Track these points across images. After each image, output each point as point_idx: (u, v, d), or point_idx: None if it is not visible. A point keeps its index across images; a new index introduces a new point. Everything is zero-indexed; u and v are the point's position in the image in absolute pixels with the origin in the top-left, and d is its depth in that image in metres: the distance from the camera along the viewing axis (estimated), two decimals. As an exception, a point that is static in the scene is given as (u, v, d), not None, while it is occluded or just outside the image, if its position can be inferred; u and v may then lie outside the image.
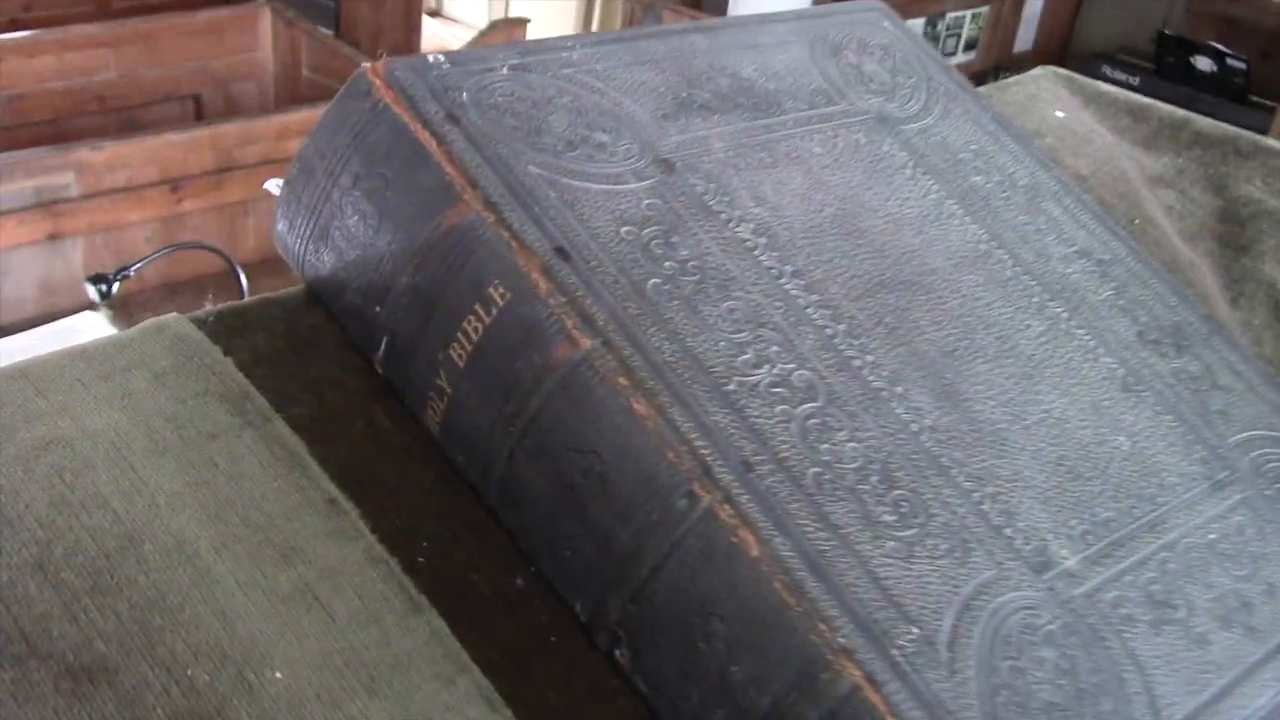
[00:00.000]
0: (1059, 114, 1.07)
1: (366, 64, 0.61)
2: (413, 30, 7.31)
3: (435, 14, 9.43)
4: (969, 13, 7.18)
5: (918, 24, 6.91)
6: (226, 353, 0.63)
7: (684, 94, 0.67)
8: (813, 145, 0.68)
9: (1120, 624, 0.53)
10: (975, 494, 0.55)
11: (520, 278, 0.56)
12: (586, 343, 0.54)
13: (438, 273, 0.59)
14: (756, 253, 0.61)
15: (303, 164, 0.64)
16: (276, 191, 0.66)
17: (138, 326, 0.64)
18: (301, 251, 0.66)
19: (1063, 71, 1.16)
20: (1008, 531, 0.54)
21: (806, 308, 0.59)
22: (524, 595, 0.59)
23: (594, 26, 8.72)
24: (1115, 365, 0.65)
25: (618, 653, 0.56)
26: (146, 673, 0.50)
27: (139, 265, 2.70)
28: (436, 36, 8.53)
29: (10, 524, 0.52)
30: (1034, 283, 0.67)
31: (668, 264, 0.59)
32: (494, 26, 5.64)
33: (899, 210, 0.67)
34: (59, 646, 0.49)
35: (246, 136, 4.62)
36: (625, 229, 0.59)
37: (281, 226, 0.67)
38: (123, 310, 3.58)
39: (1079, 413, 0.61)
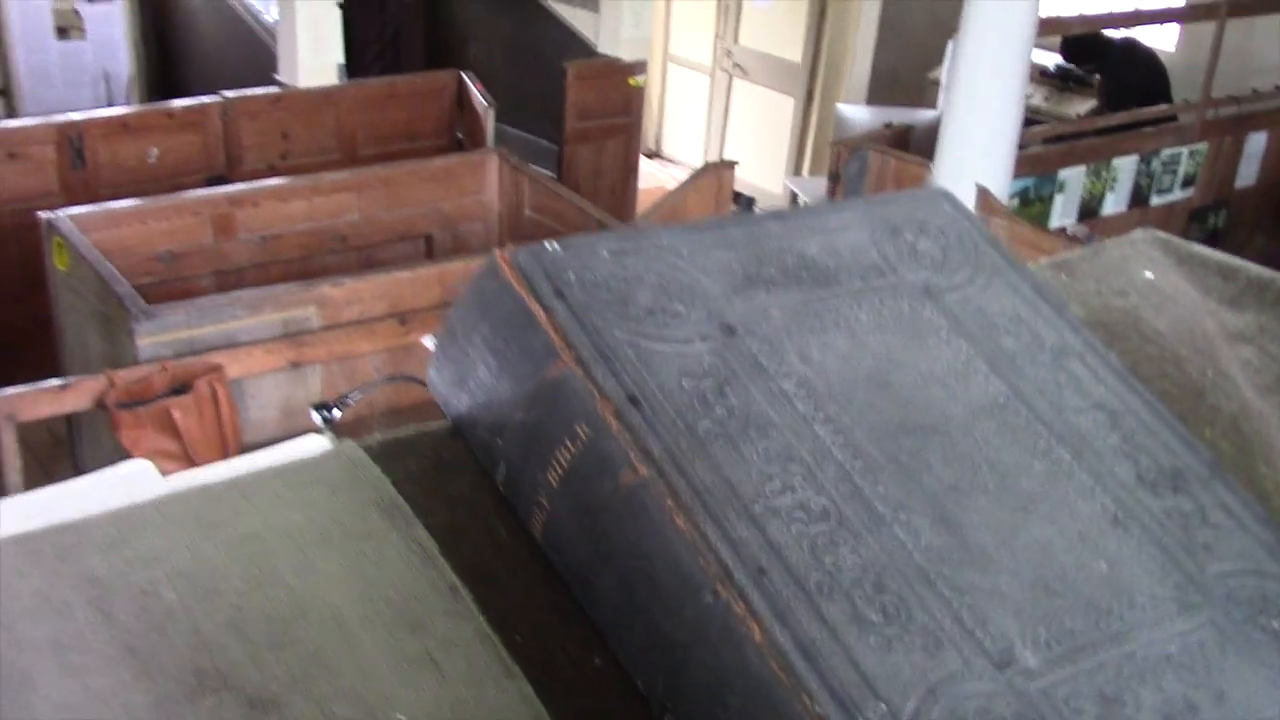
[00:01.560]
0: (1148, 274, 1.18)
1: (497, 251, 0.80)
2: (630, 171, 7.73)
3: (653, 154, 9.91)
4: (1185, 149, 7.10)
5: (1131, 161, 6.88)
6: (385, 472, 0.81)
7: (753, 270, 0.83)
8: (860, 313, 0.83)
9: (1069, 715, 0.65)
10: (955, 603, 0.68)
11: (598, 419, 0.73)
12: (644, 471, 0.70)
13: (540, 413, 0.76)
14: (795, 402, 0.76)
15: (449, 327, 0.83)
16: (432, 347, 0.85)
17: (326, 451, 0.83)
18: (446, 394, 0.84)
19: (1160, 234, 1.26)
20: (978, 634, 0.67)
21: (832, 447, 0.74)
22: (600, 671, 0.74)
23: (805, 168, 8.99)
24: (1109, 502, 0.76)
25: (666, 719, 0.70)
26: (305, 709, 0.67)
27: (355, 396, 2.99)
28: (653, 176, 8.96)
29: (215, 592, 0.71)
30: (1044, 430, 0.80)
31: (718, 410, 0.74)
32: (705, 170, 5.92)
33: (929, 367, 0.81)
34: (244, 684, 0.67)
35: (470, 273, 4.98)
36: (686, 381, 0.75)
37: (433, 374, 0.85)
38: (348, 434, 3.90)
39: (1065, 541, 0.73)
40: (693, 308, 0.80)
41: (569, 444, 0.74)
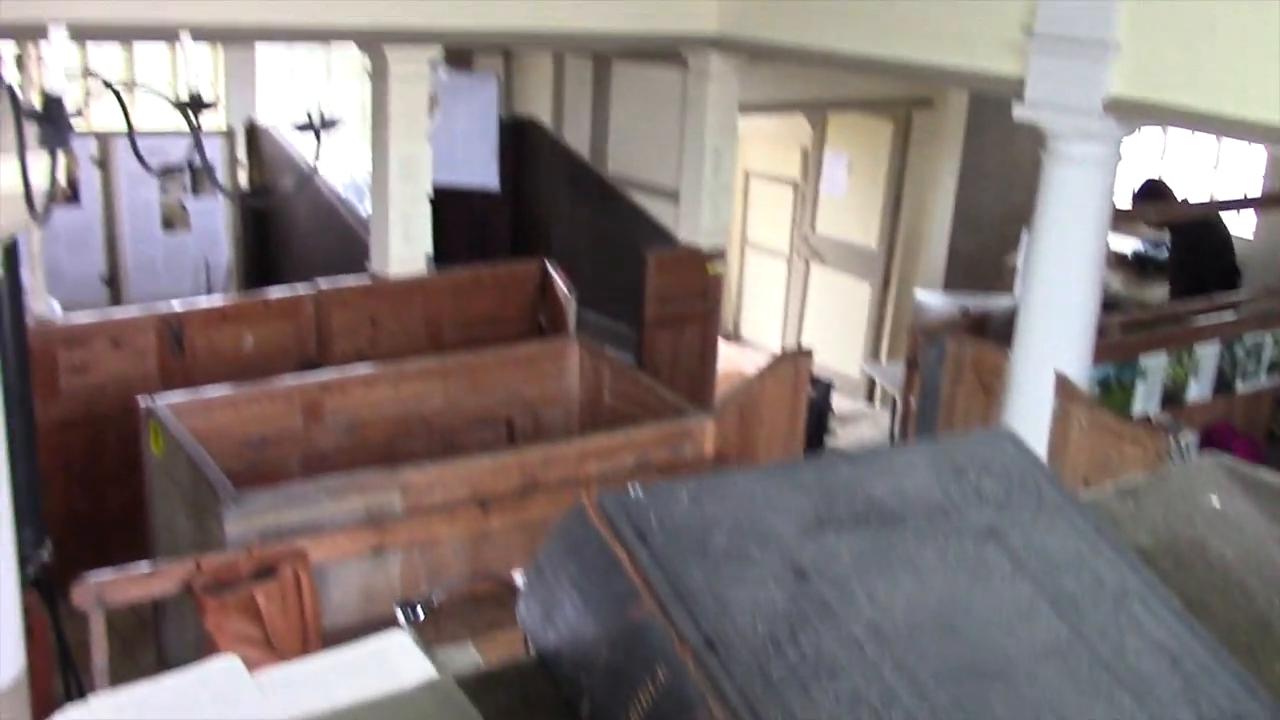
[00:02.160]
0: (1215, 501, 1.21)
1: (584, 496, 0.86)
2: (709, 356, 7.85)
3: (732, 338, 10.07)
4: (1269, 335, 7.06)
5: (1214, 347, 6.85)
6: (476, 705, 0.86)
7: (824, 512, 0.88)
8: (926, 554, 0.87)
9: None
10: None
11: (677, 662, 0.77)
12: (720, 715, 0.74)
13: (623, 653, 0.81)
14: (864, 646, 0.80)
15: (537, 565, 0.89)
16: (521, 583, 0.91)
17: (418, 685, 0.89)
18: (534, 628, 0.89)
19: (1227, 460, 1.29)
20: None
21: (899, 692, 0.78)
22: None
23: (882, 353, 9.06)
24: (1172, 748, 0.79)
25: None
26: None
27: (438, 594, 3.04)
28: (732, 359, 9.08)
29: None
30: (1106, 674, 0.82)
31: (790, 653, 0.78)
32: (782, 358, 6.01)
33: (993, 609, 0.85)
34: None
35: (549, 459, 5.08)
36: (761, 624, 0.80)
37: (522, 609, 0.91)
38: (430, 622, 3.95)
39: (1128, 788, 0.75)
40: (766, 550, 0.85)
41: (650, 684, 0.78)
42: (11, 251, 3.41)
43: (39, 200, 2.00)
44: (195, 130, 2.59)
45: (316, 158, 2.58)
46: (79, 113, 1.85)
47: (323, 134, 2.30)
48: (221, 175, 7.92)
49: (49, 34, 1.84)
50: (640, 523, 0.84)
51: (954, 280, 9.02)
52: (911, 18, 5.76)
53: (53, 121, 1.76)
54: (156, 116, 8.89)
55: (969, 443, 0.98)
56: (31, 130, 1.99)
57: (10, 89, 1.98)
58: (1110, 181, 5.29)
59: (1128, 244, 8.94)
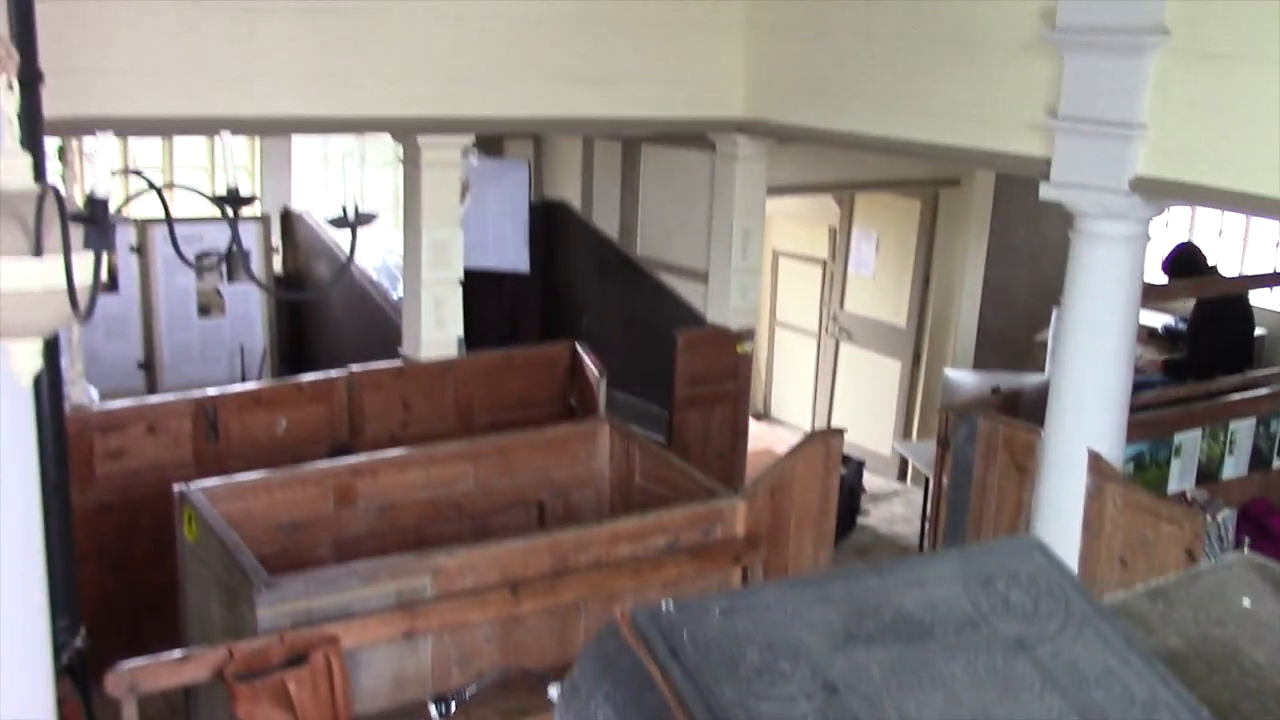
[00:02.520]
0: (1246, 602, 1.21)
1: (619, 613, 0.88)
2: (739, 435, 7.84)
3: (762, 417, 10.06)
4: (1303, 411, 7.00)
5: (1249, 424, 6.81)
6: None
7: (853, 626, 0.89)
8: (955, 668, 0.88)
9: None
10: None
11: (710, 781, 0.78)
12: (752, 835, 0.75)
13: (656, 770, 0.82)
14: (895, 762, 0.81)
15: (572, 680, 0.90)
16: (556, 698, 0.92)
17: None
18: (569, 743, 0.90)
19: (1258, 559, 1.30)
20: None
21: (931, 810, 0.78)
22: None
23: (913, 431, 9.04)
24: None
25: None
26: None
27: (471, 690, 3.04)
28: (762, 438, 9.07)
29: None
30: (1138, 789, 0.83)
31: (822, 771, 0.79)
32: (813, 438, 6.01)
33: (1024, 724, 0.85)
34: None
35: (580, 543, 5.08)
36: (792, 743, 0.80)
37: (557, 723, 0.92)
38: (462, 713, 3.93)
39: None
40: (797, 665, 0.86)
41: (683, 802, 0.79)
42: (51, 343, 3.47)
43: (82, 299, 2.05)
44: (234, 225, 2.66)
45: (352, 252, 2.62)
46: (122, 213, 1.90)
47: (358, 229, 2.35)
48: (257, 261, 8.04)
49: (96, 138, 1.90)
50: (673, 639, 0.85)
51: (985, 357, 9.02)
52: (936, 100, 5.82)
53: (97, 224, 1.81)
54: (194, 203, 9.08)
55: (996, 551, 1.00)
56: (76, 229, 2.05)
57: (56, 191, 2.04)
58: (1139, 259, 5.30)
59: (1159, 319, 8.92)
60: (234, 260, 7.58)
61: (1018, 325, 8.98)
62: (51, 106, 4.10)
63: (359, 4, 5.70)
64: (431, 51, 5.95)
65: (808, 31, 6.52)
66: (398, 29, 5.84)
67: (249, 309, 8.47)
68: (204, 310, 8.34)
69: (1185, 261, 7.52)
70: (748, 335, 7.57)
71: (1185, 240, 8.23)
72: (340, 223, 2.31)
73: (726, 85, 6.84)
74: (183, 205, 8.85)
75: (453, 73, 6.02)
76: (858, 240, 9.38)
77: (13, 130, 2.17)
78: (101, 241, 1.83)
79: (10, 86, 2.16)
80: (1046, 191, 5.31)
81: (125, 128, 5.35)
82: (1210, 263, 7.75)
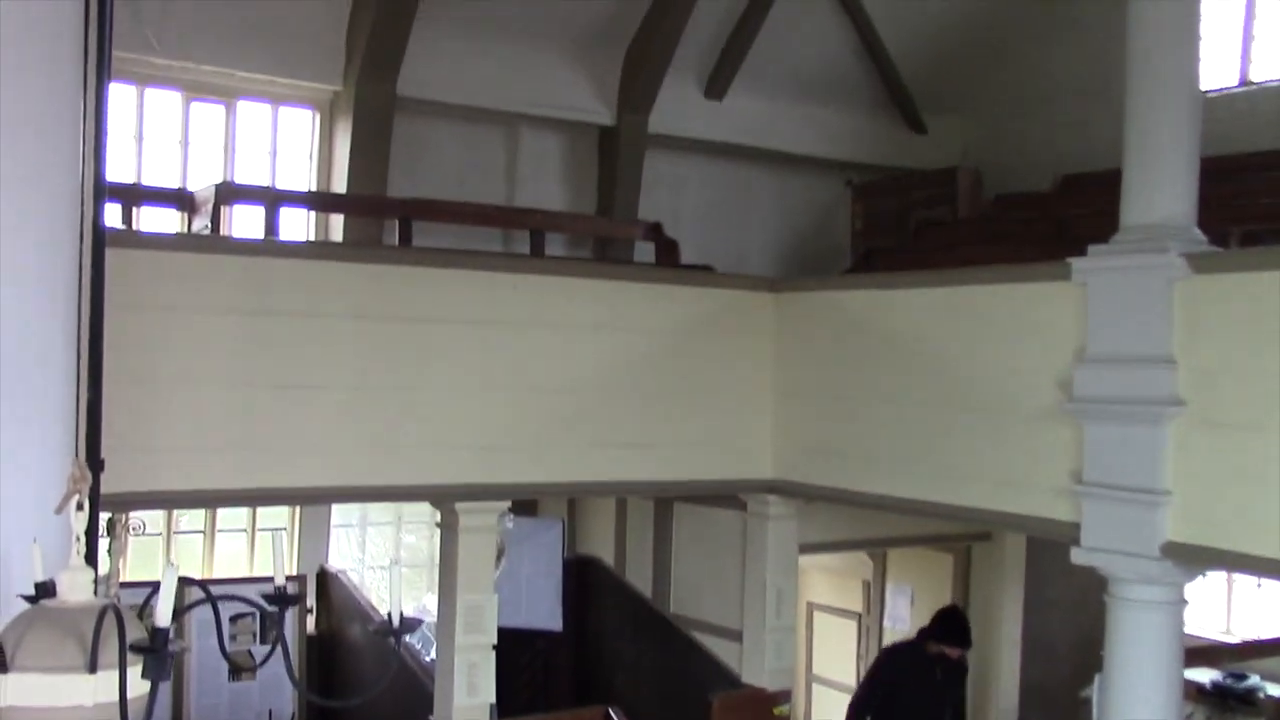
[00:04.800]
0: None
1: None
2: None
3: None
4: None
5: None
6: None
7: None
8: None
9: None
10: None
11: None
12: None
13: None
14: None
15: None
16: None
17: None
18: None
19: None
20: None
21: None
22: None
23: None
24: None
25: None
26: None
27: None
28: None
29: None
30: None
31: None
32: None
33: None
34: None
35: None
36: None
37: None
38: None
39: None
40: None
41: None
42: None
43: (135, 716, 2.09)
44: (279, 625, 2.71)
45: (396, 659, 2.64)
46: (181, 646, 1.96)
47: (402, 637, 2.40)
48: (291, 625, 8.03)
49: (163, 575, 1.99)
50: None
51: (1028, 712, 8.76)
52: (961, 464, 5.94)
53: (157, 654, 1.87)
54: (232, 564, 9.19)
55: None
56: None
57: (117, 610, 2.12)
58: (1178, 623, 5.25)
59: (1206, 675, 8.69)
60: (268, 618, 7.59)
61: (1061, 677, 8.76)
62: (105, 484, 4.25)
63: (400, 379, 5.97)
64: (470, 421, 6.18)
65: (832, 396, 6.74)
66: (438, 401, 6.09)
67: (278, 670, 8.37)
68: (234, 672, 8.27)
69: (950, 626, 7.37)
70: (784, 696, 7.42)
71: (951, 605, 8.15)
72: (385, 632, 2.37)
73: (755, 447, 7.02)
74: (222, 566, 8.97)
75: (490, 441, 6.23)
76: (892, 594, 9.32)
77: (79, 547, 2.27)
78: (160, 672, 1.89)
79: (80, 507, 2.28)
80: (1078, 556, 5.33)
81: (175, 502, 5.53)
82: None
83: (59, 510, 2.30)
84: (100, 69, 3.59)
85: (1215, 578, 9.36)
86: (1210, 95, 8.42)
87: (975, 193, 10.45)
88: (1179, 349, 4.99)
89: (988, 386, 5.84)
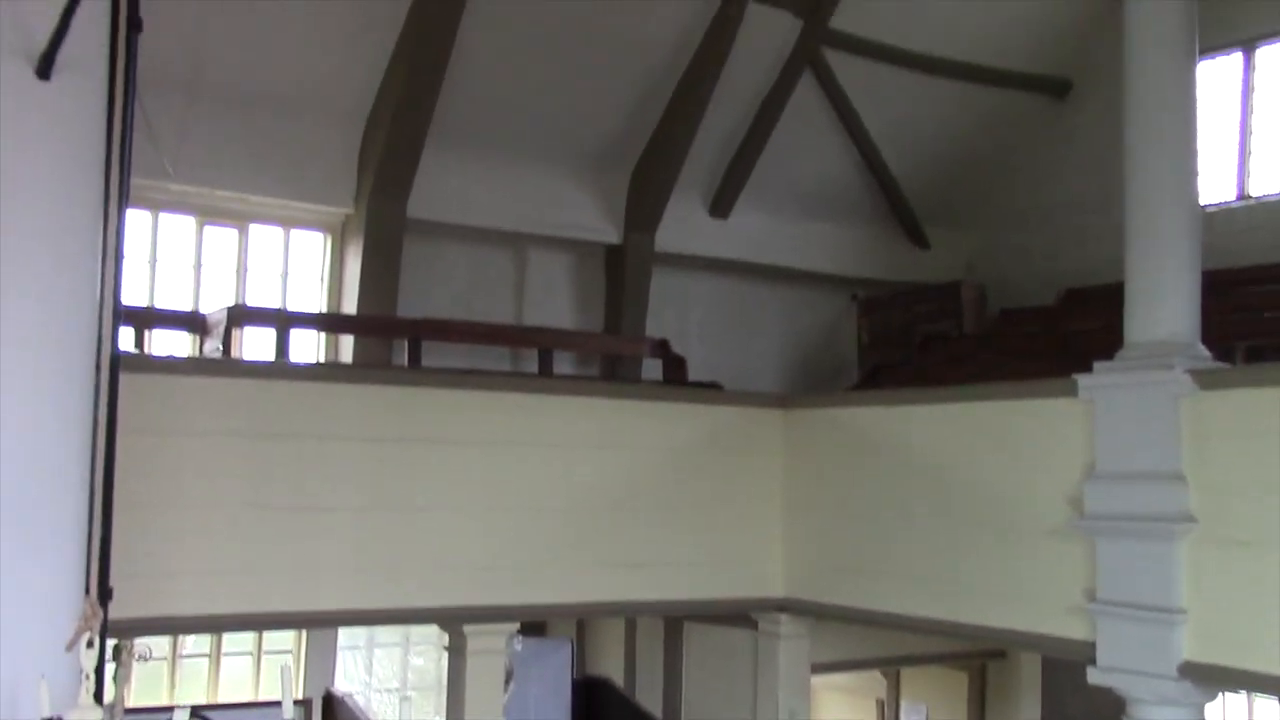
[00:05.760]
0: None
1: None
2: None
3: None
4: None
5: None
6: None
7: None
8: None
9: None
10: None
11: None
12: None
13: None
14: None
15: None
16: None
17: None
18: None
19: None
20: None
21: None
22: None
23: None
24: None
25: None
26: None
27: None
28: None
29: None
30: None
31: None
32: None
33: None
34: None
35: None
36: None
37: None
38: None
39: None
40: None
41: None
42: None
43: None
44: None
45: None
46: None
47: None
48: (296, 748, 7.88)
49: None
50: None
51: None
52: (973, 581, 5.90)
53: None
54: (239, 687, 9.06)
55: None
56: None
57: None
58: (1199, 746, 5.16)
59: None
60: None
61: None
62: (114, 609, 4.23)
63: (408, 501, 5.97)
64: (477, 542, 6.16)
65: (843, 513, 6.72)
66: (445, 522, 6.08)
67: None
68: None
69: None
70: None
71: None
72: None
73: (765, 565, 6.97)
74: (227, 689, 8.86)
75: (498, 563, 6.21)
76: (906, 713, 9.17)
77: (88, 686, 2.26)
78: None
79: (90, 644, 2.28)
80: (1095, 676, 5.26)
81: (183, 627, 5.49)
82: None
83: (69, 648, 2.29)
84: (120, 198, 3.66)
85: (1235, 698, 9.20)
86: (1209, 210, 8.53)
87: (979, 306, 10.52)
88: (1188, 465, 4.98)
89: (999, 502, 5.82)
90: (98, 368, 3.49)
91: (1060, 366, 5.76)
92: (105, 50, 3.62)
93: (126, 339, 7.43)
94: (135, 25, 3.67)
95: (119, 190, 3.66)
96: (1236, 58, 9.62)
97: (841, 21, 9.59)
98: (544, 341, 9.33)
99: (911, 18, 9.77)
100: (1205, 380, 5.02)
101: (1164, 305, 5.28)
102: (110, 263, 3.53)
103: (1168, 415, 5.03)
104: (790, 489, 7.00)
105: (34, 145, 3.52)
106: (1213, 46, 9.12)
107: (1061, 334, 8.65)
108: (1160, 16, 5.43)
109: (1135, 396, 5.17)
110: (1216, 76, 9.61)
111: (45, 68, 3.48)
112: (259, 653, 9.17)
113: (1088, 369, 5.39)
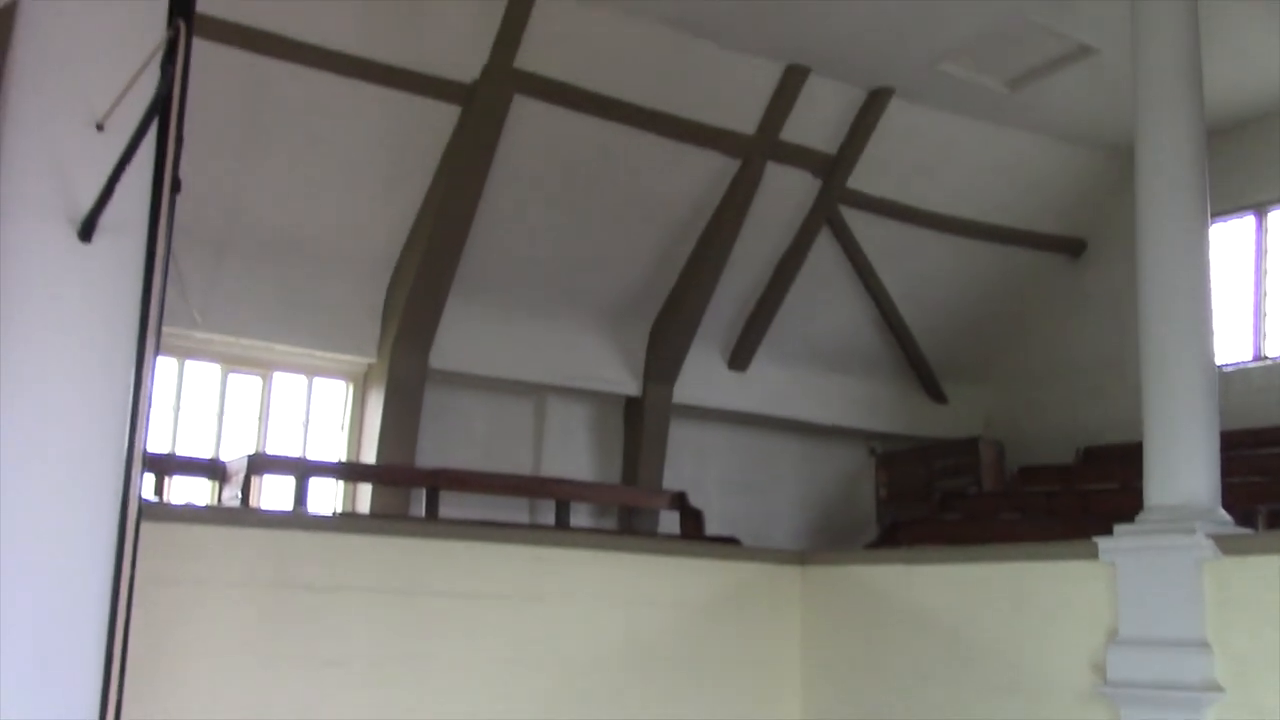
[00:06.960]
0: None
1: None
2: None
3: None
4: None
5: None
6: None
7: None
8: None
9: None
10: None
11: None
12: None
13: None
14: None
15: None
16: None
17: None
18: None
19: None
20: None
21: None
22: None
23: None
24: None
25: None
26: None
27: None
28: None
29: None
30: None
31: None
32: None
33: None
34: None
35: None
36: None
37: None
38: None
39: None
40: None
41: None
42: None
43: None
44: None
45: None
46: None
47: None
48: None
49: None
50: None
51: None
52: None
53: None
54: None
55: None
56: None
57: None
58: None
59: None
60: None
61: None
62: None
63: (419, 654, 5.91)
64: (488, 699, 6.07)
65: (861, 672, 6.61)
66: (458, 678, 6.01)
67: None
68: None
69: None
70: None
71: None
72: None
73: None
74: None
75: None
76: None
77: None
78: None
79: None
80: None
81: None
82: None
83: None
84: (154, 355, 3.73)
85: None
86: (1226, 371, 8.56)
87: (997, 463, 10.50)
88: (1212, 632, 4.92)
89: (1022, 667, 5.73)
90: (122, 522, 3.51)
91: (1080, 526, 5.73)
92: (145, 211, 3.72)
93: (147, 485, 7.47)
94: (175, 187, 3.79)
95: (154, 347, 3.73)
96: (1249, 221, 9.76)
97: (859, 181, 9.78)
98: (561, 493, 9.33)
99: (928, 179, 9.98)
100: (1227, 546, 4.98)
101: (1183, 467, 5.27)
102: (142, 419, 3.58)
103: (1190, 581, 4.98)
104: (808, 648, 6.91)
105: (72, 306, 3.60)
106: (1225, 210, 9.26)
107: (1080, 493, 8.61)
108: (1173, 181, 5.54)
109: (1157, 561, 5.13)
110: (1230, 239, 9.74)
111: (87, 231, 3.58)
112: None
113: (1107, 530, 5.36)
